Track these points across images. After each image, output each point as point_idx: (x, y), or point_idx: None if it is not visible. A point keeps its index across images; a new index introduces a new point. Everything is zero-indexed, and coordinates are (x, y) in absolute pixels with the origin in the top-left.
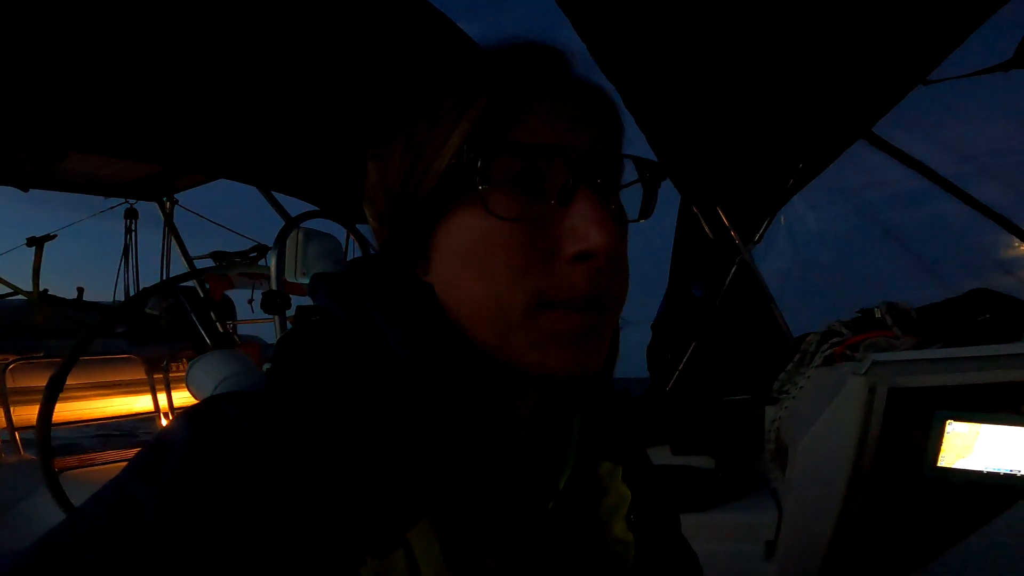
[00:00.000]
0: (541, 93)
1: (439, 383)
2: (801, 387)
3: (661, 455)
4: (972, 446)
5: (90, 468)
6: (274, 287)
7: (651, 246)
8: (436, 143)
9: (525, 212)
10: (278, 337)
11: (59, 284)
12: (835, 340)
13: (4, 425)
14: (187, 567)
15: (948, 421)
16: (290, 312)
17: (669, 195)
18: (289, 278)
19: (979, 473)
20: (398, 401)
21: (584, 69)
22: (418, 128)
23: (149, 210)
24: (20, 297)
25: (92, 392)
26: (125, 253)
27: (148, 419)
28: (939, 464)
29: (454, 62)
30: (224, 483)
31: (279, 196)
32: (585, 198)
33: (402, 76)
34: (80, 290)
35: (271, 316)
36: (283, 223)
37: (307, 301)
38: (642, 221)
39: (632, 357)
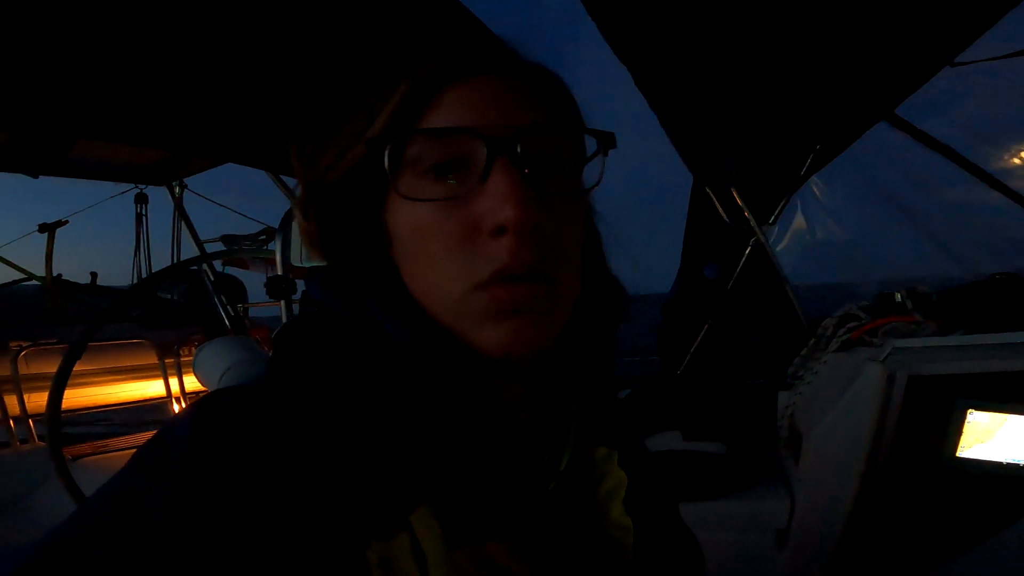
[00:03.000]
0: (463, 74)
1: (440, 366)
2: (816, 373)
3: (671, 440)
4: (993, 436)
5: (104, 455)
6: (280, 271)
7: (663, 227)
8: (356, 133)
9: (444, 194)
10: (284, 322)
11: (73, 271)
12: (852, 324)
13: (19, 412)
14: (194, 561)
15: (969, 410)
16: (296, 296)
17: (682, 176)
18: (295, 262)
19: (1000, 464)
20: (398, 387)
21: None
22: (346, 118)
23: (161, 195)
24: (34, 282)
25: (105, 377)
26: (137, 238)
27: (161, 404)
28: (959, 455)
29: (379, 50)
30: (228, 476)
31: (288, 180)
32: (499, 172)
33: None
34: (93, 275)
35: (278, 300)
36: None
37: None
38: (594, 188)
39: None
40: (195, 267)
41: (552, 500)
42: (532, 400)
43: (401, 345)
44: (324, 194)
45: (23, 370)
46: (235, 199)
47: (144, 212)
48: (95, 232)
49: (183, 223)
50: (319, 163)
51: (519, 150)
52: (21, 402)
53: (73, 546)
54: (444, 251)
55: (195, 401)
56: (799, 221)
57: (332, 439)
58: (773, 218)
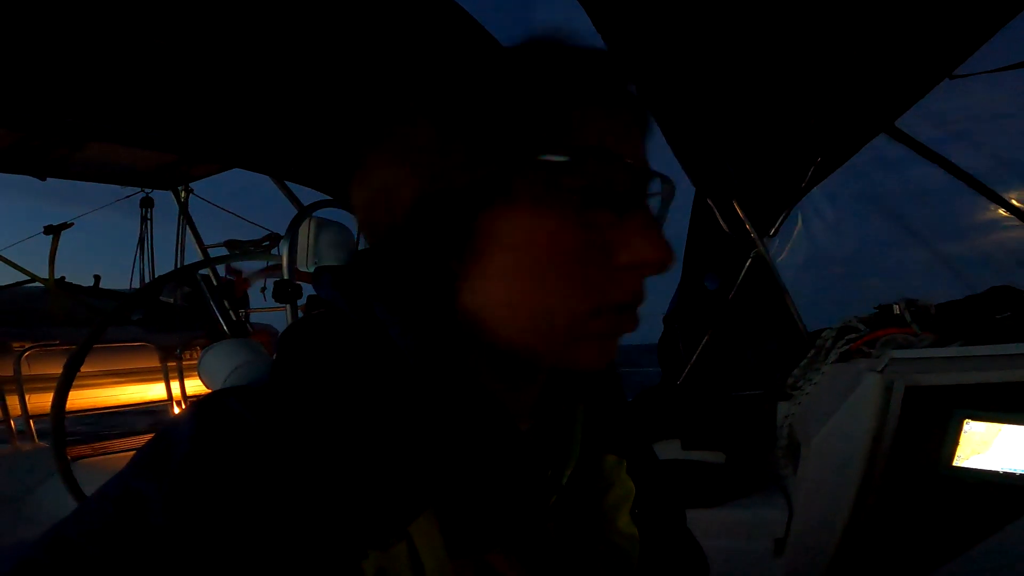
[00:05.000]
0: (607, 102)
1: (441, 375)
2: (815, 383)
3: (671, 449)
4: (989, 446)
5: (104, 456)
6: (286, 276)
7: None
8: (487, 136)
9: (590, 219)
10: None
11: (76, 274)
12: (852, 336)
13: (19, 413)
14: (192, 563)
15: (966, 420)
16: (301, 301)
17: (682, 187)
18: (301, 267)
19: (995, 473)
20: (400, 393)
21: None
22: (469, 116)
23: (165, 200)
24: (37, 284)
25: (107, 380)
26: (141, 242)
27: (162, 407)
28: (955, 464)
29: (520, 62)
30: (228, 479)
31: (292, 186)
32: (643, 210)
33: (420, 61)
34: (96, 278)
35: (283, 305)
36: (296, 212)
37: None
38: None
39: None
40: (202, 271)
41: (555, 511)
42: (539, 408)
43: (404, 351)
44: (441, 193)
45: (25, 371)
46: (239, 205)
47: (149, 216)
48: (99, 235)
49: (188, 227)
50: (449, 159)
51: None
52: (23, 402)
53: (71, 545)
54: (567, 271)
55: (197, 401)
56: (800, 233)
57: (333, 444)
58: (774, 230)
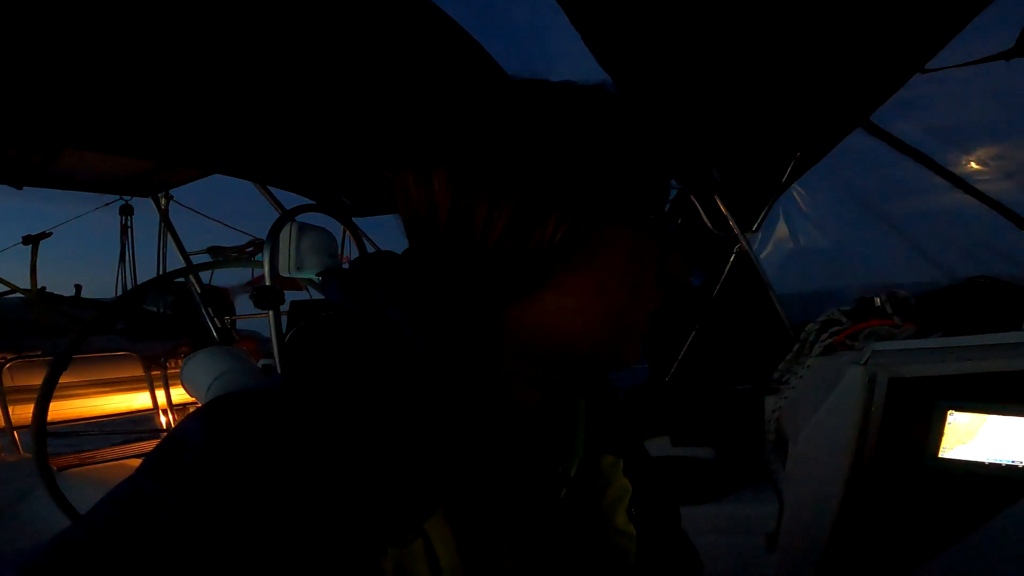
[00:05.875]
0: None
1: (457, 376)
2: (801, 377)
3: (661, 446)
4: (974, 436)
5: (89, 466)
6: (268, 282)
7: None
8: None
9: (656, 244)
10: (272, 332)
11: (57, 282)
12: (834, 329)
13: (3, 424)
14: (206, 564)
15: (950, 411)
16: (284, 307)
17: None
18: (283, 272)
19: (980, 464)
20: (416, 394)
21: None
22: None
23: (147, 206)
24: (18, 295)
25: (91, 389)
26: (122, 250)
27: (147, 416)
28: (940, 455)
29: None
30: (242, 481)
31: (275, 191)
32: (669, 235)
33: (403, 74)
34: (78, 287)
35: (266, 311)
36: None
37: (301, 295)
38: None
39: None
40: (181, 279)
41: (562, 507)
42: (545, 407)
43: (421, 353)
44: (558, 221)
45: (8, 382)
46: (223, 211)
47: (129, 224)
48: (81, 238)
49: (169, 234)
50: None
51: None
52: (6, 413)
53: (82, 547)
54: (647, 284)
55: (207, 404)
56: (782, 228)
57: (348, 445)
58: (756, 225)
